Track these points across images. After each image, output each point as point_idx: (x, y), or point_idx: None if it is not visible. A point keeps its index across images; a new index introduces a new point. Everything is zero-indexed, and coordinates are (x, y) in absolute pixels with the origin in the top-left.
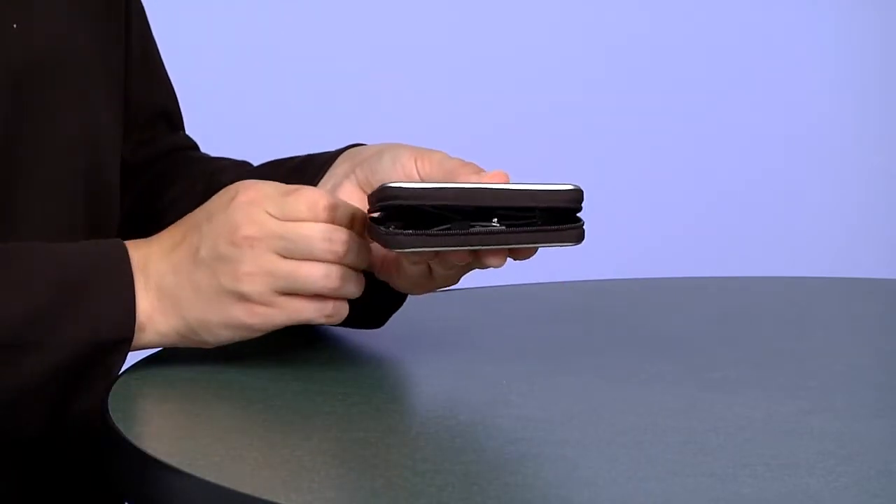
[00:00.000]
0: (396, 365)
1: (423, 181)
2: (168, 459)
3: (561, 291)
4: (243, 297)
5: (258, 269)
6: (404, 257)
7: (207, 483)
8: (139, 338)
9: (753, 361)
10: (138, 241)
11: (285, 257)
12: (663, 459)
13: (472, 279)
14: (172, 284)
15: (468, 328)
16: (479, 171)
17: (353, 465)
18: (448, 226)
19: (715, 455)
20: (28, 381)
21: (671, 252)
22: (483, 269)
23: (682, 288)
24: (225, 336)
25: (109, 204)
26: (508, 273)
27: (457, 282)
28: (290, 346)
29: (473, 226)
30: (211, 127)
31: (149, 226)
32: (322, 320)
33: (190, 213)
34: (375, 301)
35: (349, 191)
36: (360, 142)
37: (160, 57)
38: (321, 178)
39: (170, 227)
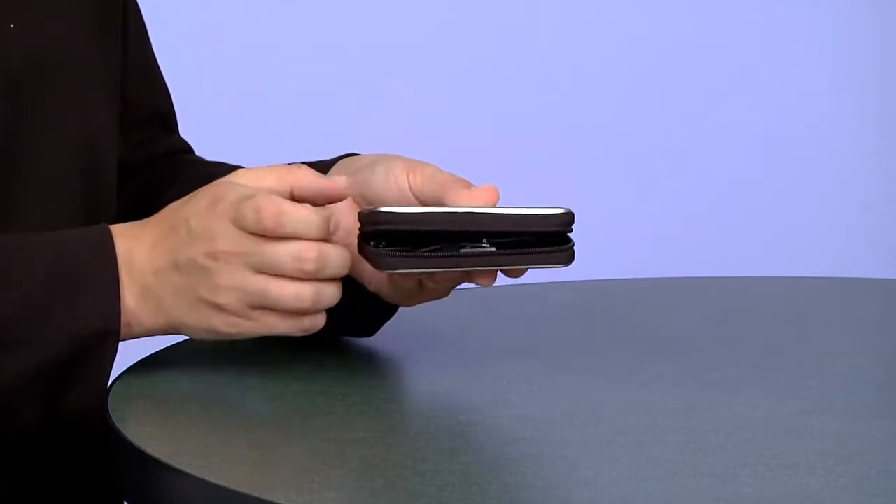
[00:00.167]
0: (396, 365)
1: (413, 193)
2: (168, 459)
3: (561, 291)
4: (219, 308)
5: (232, 284)
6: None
7: (207, 483)
8: (127, 332)
9: (753, 361)
10: (125, 228)
11: (259, 272)
12: (663, 459)
13: None
14: (154, 285)
15: (468, 328)
16: (469, 185)
17: (353, 465)
18: (438, 246)
19: (715, 455)
20: (16, 378)
21: (671, 252)
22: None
23: (682, 288)
24: (204, 337)
25: (107, 204)
26: None
27: (448, 294)
28: (291, 347)
29: (464, 246)
30: (210, 127)
31: None
32: (298, 333)
33: (171, 208)
34: (367, 311)
35: (343, 201)
36: (361, 141)
37: (156, 59)
38: None
39: (153, 220)
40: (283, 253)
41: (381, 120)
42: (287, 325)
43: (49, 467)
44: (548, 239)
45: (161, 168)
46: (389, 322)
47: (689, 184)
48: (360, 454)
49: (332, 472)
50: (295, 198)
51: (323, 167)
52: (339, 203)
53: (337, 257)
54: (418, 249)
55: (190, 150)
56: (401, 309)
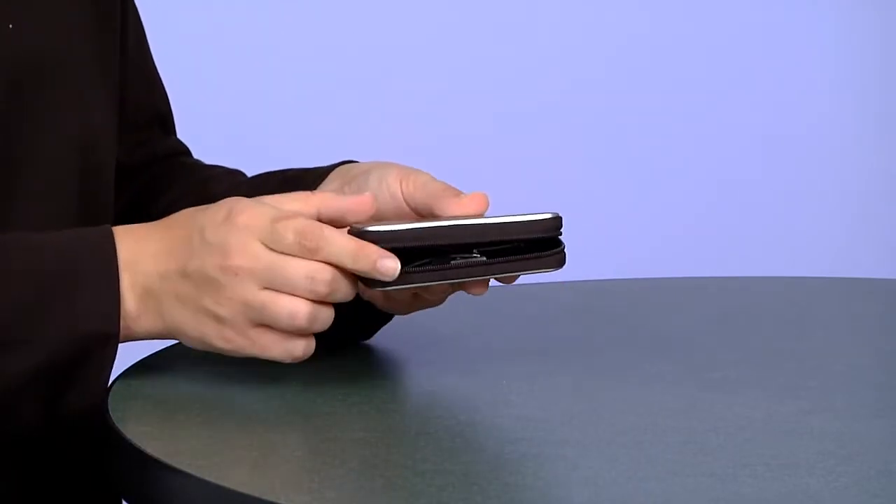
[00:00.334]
0: (396, 365)
1: (406, 201)
2: (168, 459)
3: (561, 291)
4: (219, 320)
5: (237, 298)
6: None
7: (207, 483)
8: (126, 334)
9: (753, 361)
10: (129, 230)
11: (266, 288)
12: (663, 459)
13: None
14: (158, 289)
15: (468, 328)
16: (459, 194)
17: (353, 465)
18: (428, 260)
19: (715, 455)
20: (15, 378)
21: (671, 252)
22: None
23: (682, 288)
24: (198, 347)
25: (106, 204)
26: None
27: (442, 303)
28: None
29: (454, 258)
30: (210, 127)
31: None
32: (289, 360)
33: (184, 215)
34: (362, 318)
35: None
36: (360, 141)
37: (154, 61)
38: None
39: (162, 226)
40: (298, 271)
41: (381, 120)
42: (279, 348)
43: (49, 467)
44: (538, 244)
45: (159, 170)
46: (389, 322)
47: (689, 184)
48: (360, 454)
49: (332, 472)
50: (321, 219)
51: (319, 174)
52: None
53: (346, 283)
54: (409, 264)
55: (188, 152)
56: None
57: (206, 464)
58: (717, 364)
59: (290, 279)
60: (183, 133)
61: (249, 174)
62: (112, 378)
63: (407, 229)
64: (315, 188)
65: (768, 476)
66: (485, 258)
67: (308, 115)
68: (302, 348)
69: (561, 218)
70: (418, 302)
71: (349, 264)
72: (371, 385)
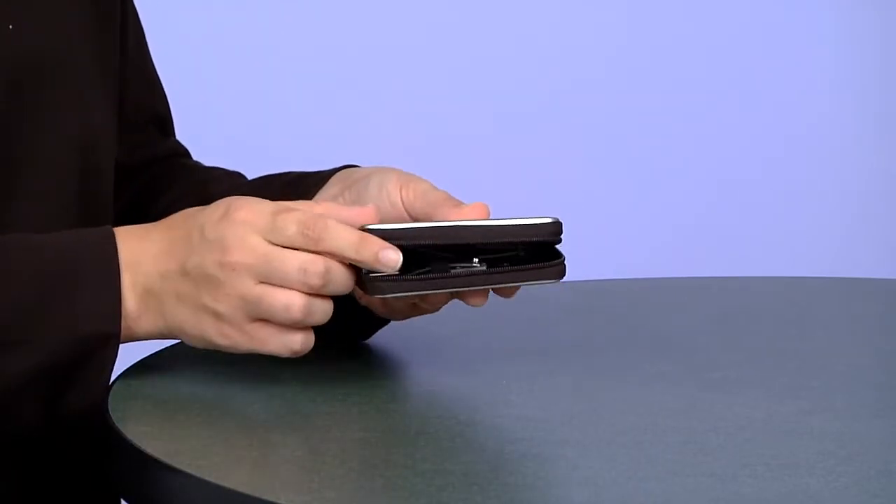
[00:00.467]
0: (396, 365)
1: (405, 209)
2: (168, 459)
3: (561, 291)
4: (218, 316)
5: (235, 293)
6: None
7: (207, 483)
8: (127, 334)
9: (753, 361)
10: (130, 230)
11: (262, 282)
12: (663, 459)
13: None
14: (159, 289)
15: (468, 328)
16: (460, 204)
17: (353, 465)
18: (428, 268)
19: (715, 455)
20: (16, 378)
21: (671, 252)
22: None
23: (682, 288)
24: (199, 345)
25: (106, 205)
26: None
27: (439, 310)
28: None
29: (454, 267)
30: (210, 128)
31: None
32: (288, 354)
33: (183, 215)
34: (360, 322)
35: None
36: (360, 141)
37: (153, 62)
38: (313, 197)
39: (162, 226)
40: (291, 263)
41: (381, 120)
42: (277, 342)
43: (49, 467)
44: (538, 253)
45: (158, 171)
46: (390, 323)
47: (688, 184)
48: (360, 454)
49: (332, 472)
50: None
51: (320, 178)
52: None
53: (341, 275)
54: (409, 272)
55: (187, 153)
56: None
57: (206, 464)
58: (717, 364)
59: (283, 271)
60: (183, 133)
61: (249, 175)
62: (112, 378)
63: (408, 228)
64: (315, 192)
65: (768, 476)
66: (485, 267)
67: (308, 115)
68: (300, 342)
69: (561, 224)
70: (416, 310)
71: (352, 255)
72: (371, 385)
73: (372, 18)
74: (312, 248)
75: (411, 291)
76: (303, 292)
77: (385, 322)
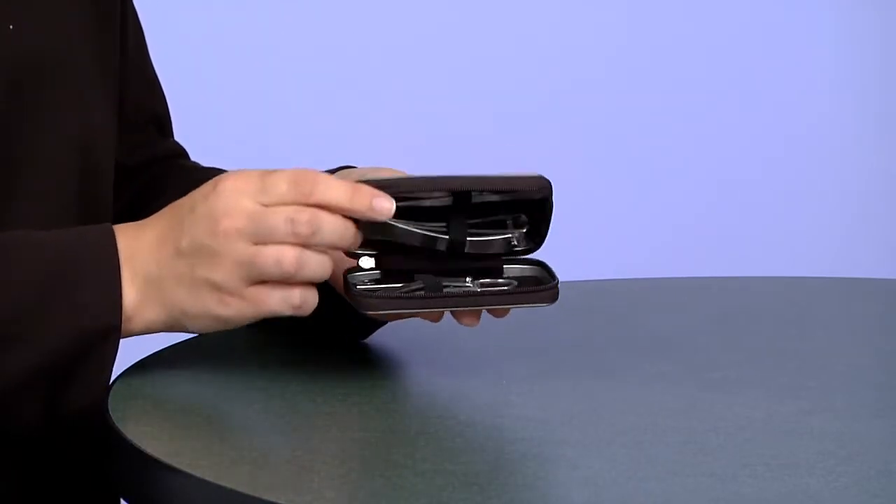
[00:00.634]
0: (396, 365)
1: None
2: (168, 459)
3: (561, 291)
4: (216, 287)
5: (230, 259)
6: None
7: (207, 483)
8: (128, 328)
9: (753, 361)
10: (127, 226)
11: (256, 243)
12: (663, 459)
13: None
14: (156, 274)
15: (468, 328)
16: None
17: (353, 465)
18: (421, 286)
19: (715, 455)
20: (16, 376)
21: (671, 252)
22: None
23: (682, 288)
24: (203, 326)
25: (106, 205)
26: None
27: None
28: (290, 346)
29: (447, 286)
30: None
31: None
32: (290, 311)
33: (174, 203)
34: (357, 322)
35: None
36: (360, 141)
37: (152, 62)
38: None
39: (156, 217)
40: (277, 217)
41: (381, 120)
42: (276, 299)
43: (49, 467)
44: (532, 278)
45: (157, 171)
46: (390, 322)
47: (688, 184)
48: (360, 454)
49: (332, 472)
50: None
51: None
52: None
53: (331, 223)
54: (401, 290)
55: (185, 154)
56: None
57: (206, 464)
58: (717, 364)
59: (270, 226)
60: (183, 133)
61: None
62: (113, 375)
63: (400, 179)
64: None
65: (768, 476)
66: (478, 289)
67: (308, 115)
68: (299, 296)
69: (548, 181)
70: (413, 317)
71: (346, 204)
72: (371, 385)
73: (372, 18)
74: (304, 202)
75: (402, 309)
76: (294, 244)
77: (383, 321)
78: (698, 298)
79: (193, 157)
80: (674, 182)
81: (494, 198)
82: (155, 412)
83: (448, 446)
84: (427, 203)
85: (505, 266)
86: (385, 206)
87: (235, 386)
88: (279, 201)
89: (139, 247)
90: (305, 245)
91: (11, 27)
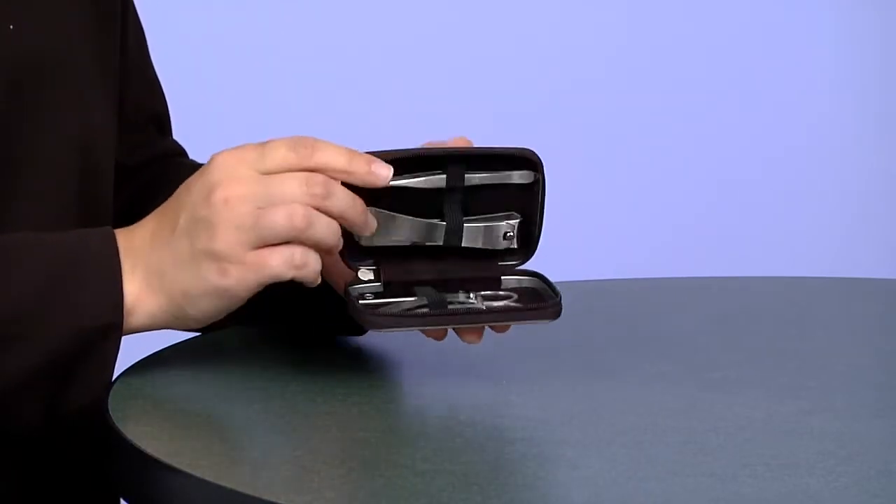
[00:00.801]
0: (396, 365)
1: None
2: (168, 459)
3: (561, 291)
4: (216, 257)
5: (230, 225)
6: None
7: (207, 483)
8: (129, 322)
9: (753, 361)
10: (127, 228)
11: (261, 208)
12: (663, 459)
13: None
14: (155, 261)
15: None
16: None
17: (353, 465)
18: (425, 301)
19: (715, 455)
20: (16, 373)
21: (671, 252)
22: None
23: (682, 288)
24: (207, 306)
25: (106, 205)
26: None
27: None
28: (290, 346)
29: (451, 303)
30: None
31: None
32: (292, 272)
33: (169, 199)
34: (353, 322)
35: None
36: (360, 141)
37: (152, 62)
38: None
39: (153, 213)
40: (292, 181)
41: (381, 120)
42: (277, 259)
43: (49, 467)
44: (535, 293)
45: (156, 170)
46: None
47: (688, 184)
48: (360, 454)
49: (332, 472)
50: None
51: None
52: None
53: (342, 189)
54: (406, 308)
55: (184, 153)
56: None
57: (206, 464)
58: (717, 364)
59: (284, 190)
60: (183, 133)
61: None
62: (114, 374)
63: (394, 149)
64: None
65: (768, 476)
66: (483, 307)
67: (308, 115)
68: (300, 255)
69: (538, 158)
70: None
71: (344, 166)
72: (371, 385)
73: (372, 18)
74: (305, 164)
75: (406, 327)
76: (305, 204)
77: None
78: (698, 298)
79: (193, 157)
80: (674, 182)
81: (487, 177)
82: (155, 412)
83: (448, 446)
84: (421, 182)
85: (503, 277)
86: (383, 170)
87: (235, 386)
88: (281, 164)
89: (137, 239)
90: (318, 208)
91: (11, 27)
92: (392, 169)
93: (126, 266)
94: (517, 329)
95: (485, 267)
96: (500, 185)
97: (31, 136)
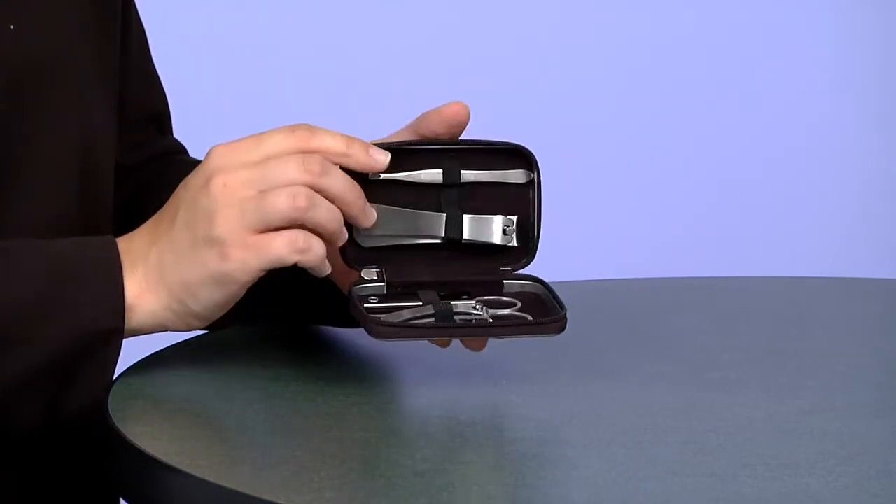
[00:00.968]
0: (396, 365)
1: None
2: (168, 459)
3: (561, 291)
4: (217, 242)
5: (232, 209)
6: None
7: (207, 483)
8: (130, 321)
9: (753, 361)
10: (127, 234)
11: (262, 191)
12: (663, 459)
13: None
14: (155, 256)
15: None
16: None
17: (353, 465)
18: (431, 311)
19: (715, 455)
20: (16, 376)
21: (671, 252)
22: None
23: (682, 288)
24: (209, 296)
25: (106, 205)
26: None
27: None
28: (290, 346)
29: (458, 314)
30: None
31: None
32: (295, 256)
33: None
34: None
35: None
36: None
37: (153, 61)
38: None
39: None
40: (289, 161)
41: (381, 120)
42: (280, 242)
43: (49, 467)
44: (540, 307)
45: (156, 168)
46: None
47: (688, 184)
48: (360, 454)
49: (332, 472)
50: None
51: None
52: None
53: (339, 170)
54: (413, 317)
55: (184, 150)
56: None
57: (206, 464)
58: (717, 364)
59: (283, 170)
60: (183, 133)
61: None
62: (115, 375)
63: (390, 141)
64: None
65: (768, 476)
66: (490, 319)
67: (308, 115)
68: (303, 239)
69: (534, 157)
70: None
71: (343, 149)
72: (371, 385)
73: (372, 18)
74: (303, 147)
75: (414, 338)
76: (305, 184)
77: None
78: (698, 298)
79: (193, 157)
80: (674, 182)
81: (483, 175)
82: (155, 412)
83: (448, 446)
84: (418, 175)
85: (505, 281)
86: (380, 156)
87: (235, 386)
88: (278, 148)
89: (135, 240)
90: (317, 187)
91: (12, 27)
92: (389, 155)
93: (126, 266)
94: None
95: (487, 270)
96: (496, 184)
97: (31, 136)
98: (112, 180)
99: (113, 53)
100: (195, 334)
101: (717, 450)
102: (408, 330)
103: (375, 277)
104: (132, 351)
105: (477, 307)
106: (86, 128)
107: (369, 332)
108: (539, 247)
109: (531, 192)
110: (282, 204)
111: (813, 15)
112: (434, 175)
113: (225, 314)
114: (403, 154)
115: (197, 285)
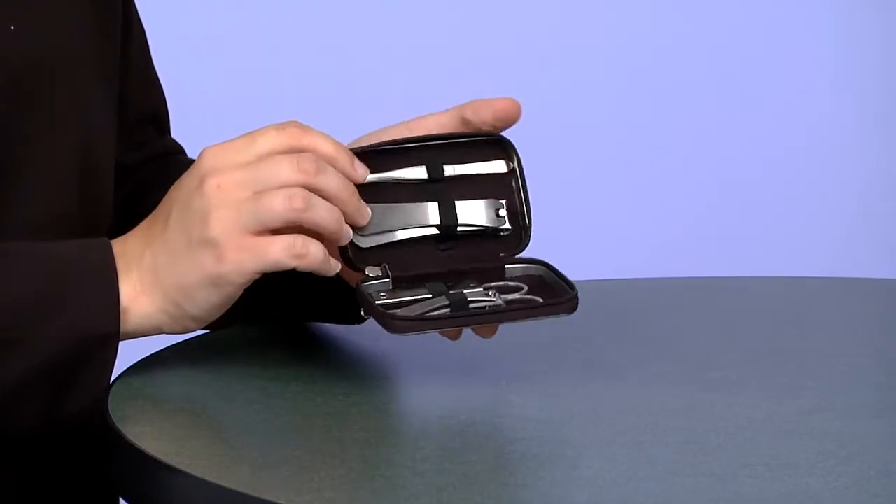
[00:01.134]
0: (397, 365)
1: None
2: (168, 459)
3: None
4: (213, 244)
5: (227, 210)
6: None
7: (207, 483)
8: (126, 324)
9: (753, 361)
10: (123, 236)
11: (257, 192)
12: (663, 459)
13: None
14: (149, 259)
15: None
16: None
17: (353, 465)
18: (445, 301)
19: (715, 455)
20: (13, 379)
21: (671, 252)
22: None
23: (682, 288)
24: (205, 299)
25: (106, 205)
26: None
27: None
28: (290, 346)
29: (472, 302)
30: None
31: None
32: (293, 261)
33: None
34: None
35: None
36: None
37: (152, 61)
38: None
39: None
40: (282, 161)
41: (381, 120)
42: (281, 246)
43: (49, 467)
44: (549, 288)
45: (156, 168)
46: None
47: (688, 184)
48: (360, 454)
49: (332, 472)
50: None
51: None
52: None
53: (332, 169)
54: (427, 310)
55: (182, 151)
56: None
57: (206, 464)
58: (717, 364)
59: (277, 170)
60: (182, 133)
61: None
62: (112, 378)
63: (378, 141)
64: None
65: (768, 476)
66: (502, 304)
67: (308, 115)
68: (301, 243)
69: (512, 146)
70: None
71: (332, 152)
72: (371, 385)
73: (372, 18)
74: (295, 144)
75: (430, 330)
76: (301, 183)
77: None
78: (698, 298)
79: (192, 157)
80: (674, 182)
81: (466, 168)
82: (155, 412)
83: (448, 446)
84: (404, 173)
85: (507, 266)
86: (361, 169)
87: (235, 386)
88: (271, 146)
89: (130, 243)
90: (312, 187)
91: (12, 27)
92: (368, 169)
93: (120, 269)
94: (517, 329)
95: (487, 257)
96: (479, 175)
97: (31, 136)
98: (112, 180)
99: (113, 53)
100: (195, 334)
101: (717, 450)
102: (426, 322)
103: (380, 273)
104: (132, 351)
105: (489, 293)
106: (86, 128)
107: (387, 328)
108: (532, 231)
109: (514, 180)
110: (278, 205)
111: (813, 15)
112: (418, 172)
113: (222, 315)
114: (385, 154)
115: (192, 287)
